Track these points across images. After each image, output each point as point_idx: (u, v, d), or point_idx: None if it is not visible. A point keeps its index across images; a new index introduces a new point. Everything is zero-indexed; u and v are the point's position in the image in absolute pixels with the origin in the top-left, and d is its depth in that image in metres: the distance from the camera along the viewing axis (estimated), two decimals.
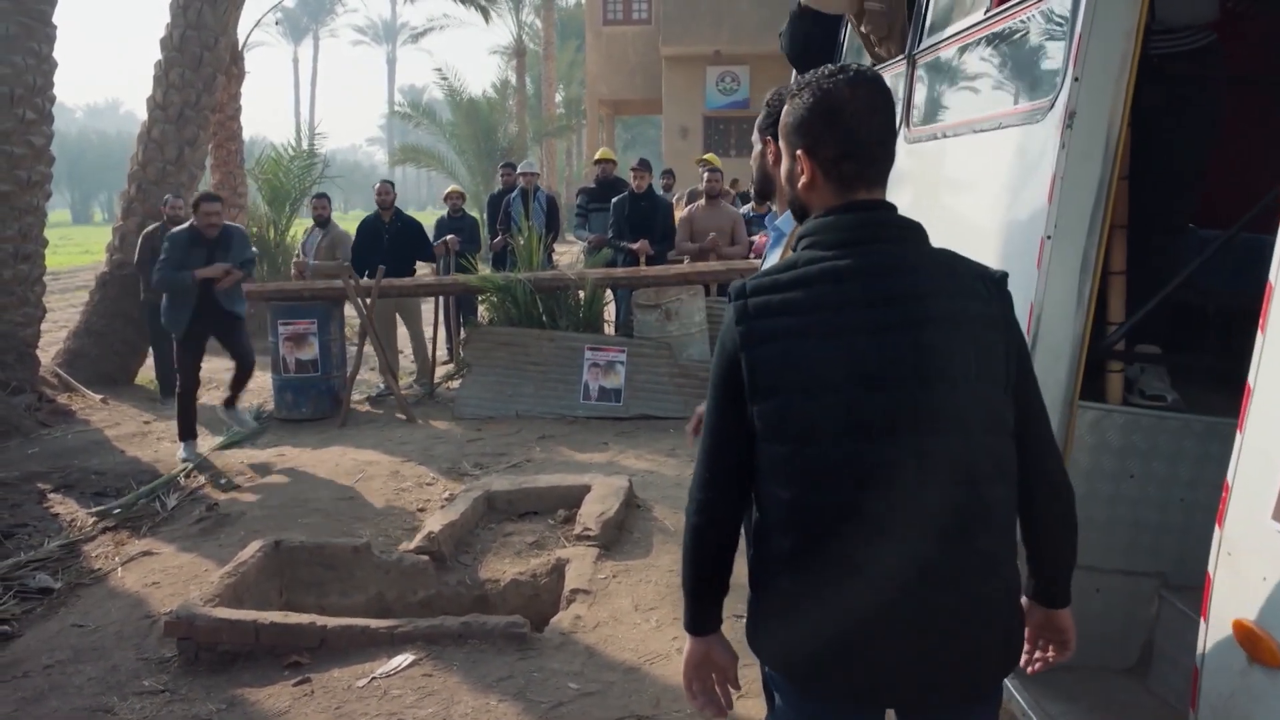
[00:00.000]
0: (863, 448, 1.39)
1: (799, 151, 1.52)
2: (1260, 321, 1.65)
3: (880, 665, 1.42)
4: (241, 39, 11.40)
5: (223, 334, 6.35)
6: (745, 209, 8.68)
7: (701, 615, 1.61)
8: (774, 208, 2.44)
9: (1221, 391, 2.67)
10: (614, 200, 8.16)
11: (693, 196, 9.37)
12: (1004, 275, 1.51)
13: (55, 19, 7.80)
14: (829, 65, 1.55)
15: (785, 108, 1.56)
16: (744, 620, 1.63)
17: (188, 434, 6.24)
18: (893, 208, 1.52)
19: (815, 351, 1.41)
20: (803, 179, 1.53)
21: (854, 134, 1.47)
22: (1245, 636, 1.60)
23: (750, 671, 1.83)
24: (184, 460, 6.07)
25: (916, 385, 1.39)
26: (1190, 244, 2.81)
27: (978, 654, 1.44)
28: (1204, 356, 2.98)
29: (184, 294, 6.05)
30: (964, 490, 1.40)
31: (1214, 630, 1.68)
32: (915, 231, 1.50)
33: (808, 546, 1.43)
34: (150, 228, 8.19)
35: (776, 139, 2.20)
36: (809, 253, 1.47)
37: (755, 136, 2.29)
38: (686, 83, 19.90)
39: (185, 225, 6.23)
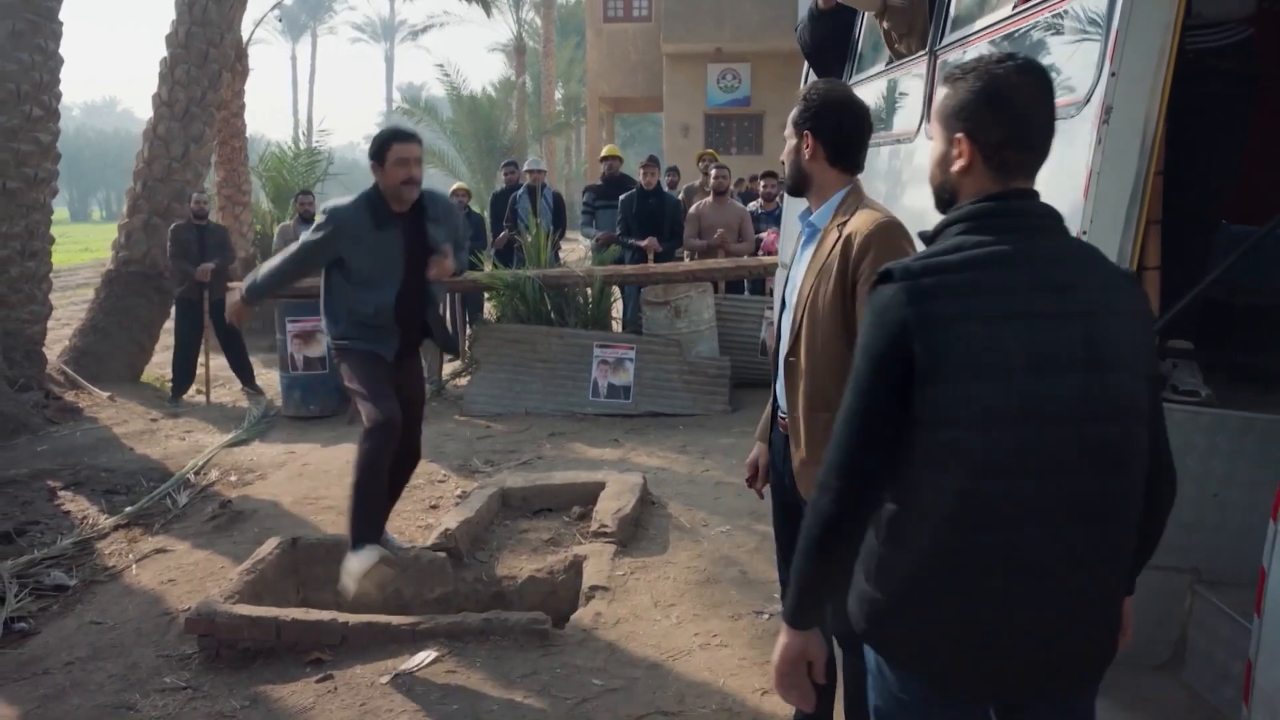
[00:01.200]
0: (1033, 434, 1.38)
1: (959, 134, 1.49)
2: None
3: (1021, 654, 1.43)
4: (245, 35, 11.37)
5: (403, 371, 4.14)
6: (753, 205, 8.67)
7: (812, 609, 1.57)
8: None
9: (1253, 387, 2.67)
10: (622, 197, 8.15)
11: (689, 193, 9.34)
12: (1132, 271, 1.53)
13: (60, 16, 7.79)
14: (994, 51, 1.53)
15: (944, 90, 1.52)
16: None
17: (367, 536, 3.57)
18: (1038, 196, 1.50)
19: (993, 336, 1.38)
20: (959, 162, 1.49)
21: (1021, 121, 1.46)
22: None
23: None
24: (340, 587, 3.55)
25: (1086, 372, 1.39)
26: (1222, 240, 2.81)
27: (1099, 640, 1.48)
28: (1235, 352, 2.98)
29: (379, 308, 3.78)
30: (1115, 479, 1.42)
31: (1268, 625, 1.68)
32: (1063, 222, 1.50)
33: (969, 537, 1.41)
34: (176, 224, 8.13)
35: (814, 133, 2.20)
36: (970, 238, 1.45)
37: (789, 131, 2.27)
38: (688, 80, 19.86)
39: (356, 196, 3.82)
